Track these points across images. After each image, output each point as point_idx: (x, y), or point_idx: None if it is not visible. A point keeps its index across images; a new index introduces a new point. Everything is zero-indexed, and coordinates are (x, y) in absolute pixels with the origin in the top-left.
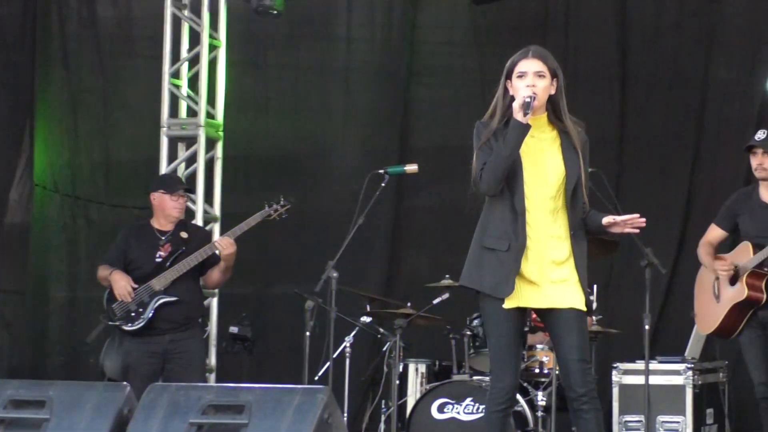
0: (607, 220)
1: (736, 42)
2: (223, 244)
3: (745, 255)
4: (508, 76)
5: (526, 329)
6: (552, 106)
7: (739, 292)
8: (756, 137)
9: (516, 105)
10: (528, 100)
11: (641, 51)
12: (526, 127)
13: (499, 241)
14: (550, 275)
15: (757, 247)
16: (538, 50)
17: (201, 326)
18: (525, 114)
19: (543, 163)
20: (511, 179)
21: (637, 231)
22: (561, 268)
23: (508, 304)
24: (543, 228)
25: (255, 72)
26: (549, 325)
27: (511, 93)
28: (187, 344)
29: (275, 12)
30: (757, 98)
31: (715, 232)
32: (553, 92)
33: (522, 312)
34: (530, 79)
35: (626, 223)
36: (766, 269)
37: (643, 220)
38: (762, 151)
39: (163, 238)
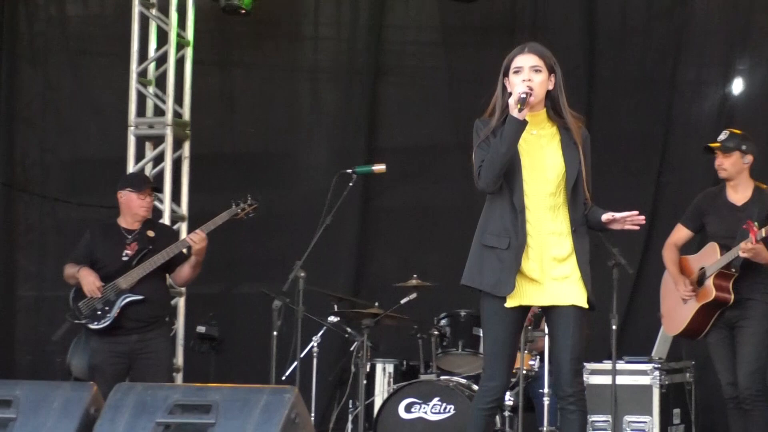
0: (606, 216)
1: (704, 43)
2: (195, 238)
3: (712, 256)
4: (506, 73)
5: None
6: (551, 101)
7: (707, 292)
8: (718, 138)
9: (512, 101)
10: (524, 95)
11: (608, 52)
12: (522, 123)
13: (499, 239)
14: (551, 272)
15: (724, 248)
16: (535, 46)
17: (168, 325)
18: (520, 110)
19: (542, 160)
20: (509, 176)
21: (637, 228)
22: (563, 265)
23: (510, 302)
24: (543, 225)
25: (222, 71)
26: (548, 322)
27: (509, 90)
28: (154, 344)
29: (243, 11)
30: (725, 99)
31: (681, 233)
32: (551, 87)
33: (523, 311)
34: (526, 74)
35: (626, 220)
36: (733, 270)
37: (642, 217)
38: (721, 152)
39: (129, 236)
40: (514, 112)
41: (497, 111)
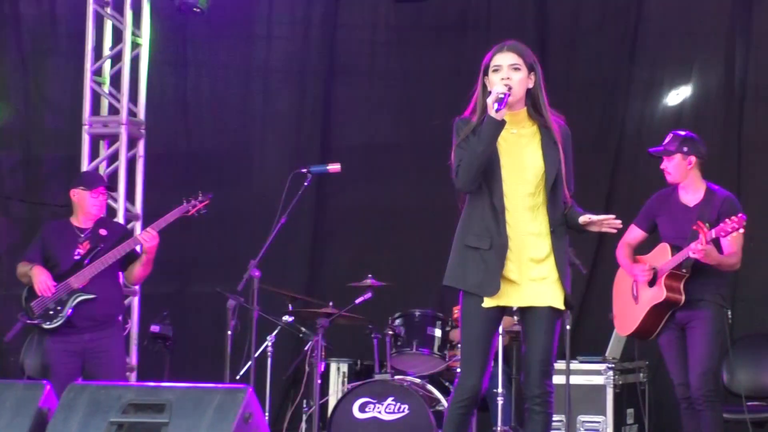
0: (583, 219)
1: (657, 44)
2: (146, 236)
3: (663, 256)
4: (485, 72)
5: (448, 329)
6: (531, 100)
7: (658, 293)
8: (662, 141)
9: (489, 100)
10: (501, 95)
11: (561, 52)
12: (500, 123)
13: (480, 240)
14: (529, 273)
15: (675, 249)
16: (514, 44)
17: (121, 324)
18: (497, 109)
19: (522, 159)
20: (489, 176)
21: (614, 231)
22: (540, 266)
23: (489, 303)
24: (522, 225)
25: (177, 70)
26: (523, 322)
27: (489, 89)
28: (107, 343)
29: (198, 10)
30: (678, 99)
31: (634, 233)
32: (530, 86)
33: (500, 311)
34: (505, 72)
35: (602, 222)
36: (684, 270)
37: (619, 222)
38: (665, 156)
39: (82, 235)
40: (491, 111)
41: (478, 110)
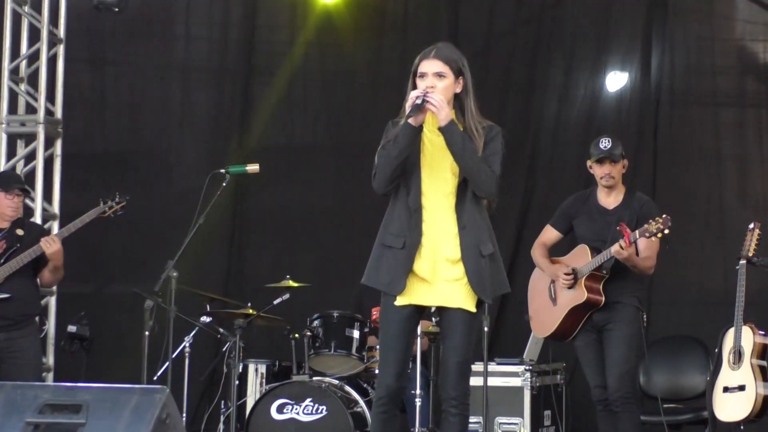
0: None
1: (572, 47)
2: (46, 243)
3: (582, 258)
4: (414, 75)
5: (366, 330)
6: (459, 103)
7: (578, 295)
8: (601, 146)
9: (405, 106)
10: (418, 102)
11: (475, 55)
12: (414, 129)
13: (396, 239)
14: (443, 273)
15: (595, 251)
16: (442, 50)
17: (37, 325)
18: (409, 116)
19: (442, 161)
20: (408, 176)
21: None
22: (456, 267)
23: (400, 301)
24: (440, 225)
25: (94, 69)
26: (440, 323)
27: None
28: (22, 342)
29: (116, 9)
30: (593, 102)
31: (550, 234)
32: (458, 91)
33: (415, 310)
34: (430, 80)
35: None
36: (604, 272)
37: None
38: (609, 161)
39: None
40: (407, 118)
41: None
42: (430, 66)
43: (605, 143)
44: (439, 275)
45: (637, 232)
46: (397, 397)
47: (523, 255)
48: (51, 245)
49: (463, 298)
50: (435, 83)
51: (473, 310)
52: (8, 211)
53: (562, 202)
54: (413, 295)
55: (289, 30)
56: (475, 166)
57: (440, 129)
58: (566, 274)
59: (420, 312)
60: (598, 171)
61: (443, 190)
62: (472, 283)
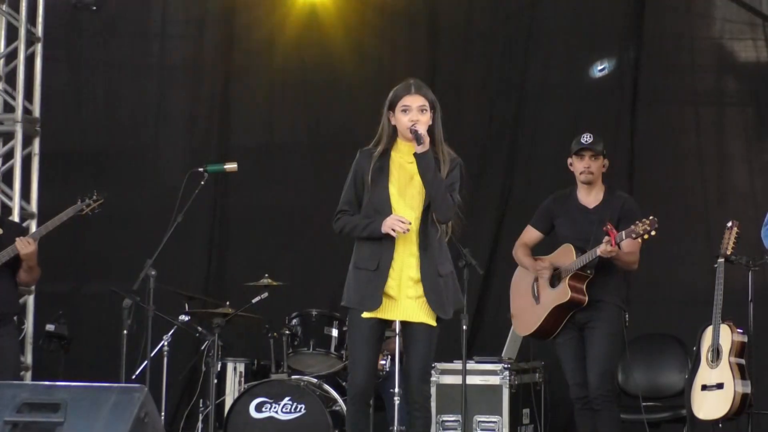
0: None
1: (551, 45)
2: (20, 244)
3: (567, 257)
4: (391, 108)
5: (345, 329)
6: (431, 134)
7: (562, 293)
8: (583, 140)
9: (384, 136)
10: (421, 132)
11: (453, 55)
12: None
13: (369, 262)
14: (407, 291)
15: (579, 250)
16: (419, 85)
17: (16, 324)
18: (419, 142)
19: (410, 187)
20: (379, 203)
21: None
22: (417, 286)
23: (367, 315)
24: (406, 247)
25: (72, 68)
26: (404, 335)
27: (393, 123)
28: (1, 342)
29: (94, 7)
30: (572, 101)
31: (531, 234)
32: (431, 123)
33: (380, 322)
34: (414, 114)
35: None
36: (589, 272)
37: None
38: (590, 154)
39: None
40: (384, 228)
41: (382, 142)
42: (414, 101)
43: (587, 138)
44: (403, 293)
45: (623, 233)
46: (368, 396)
47: (501, 254)
48: (25, 246)
49: (424, 314)
50: (419, 117)
51: (434, 324)
52: None
53: (542, 202)
54: (380, 310)
55: (268, 28)
56: (439, 193)
57: (417, 155)
58: (545, 267)
59: (384, 323)
60: (578, 165)
61: (410, 216)
62: (430, 301)
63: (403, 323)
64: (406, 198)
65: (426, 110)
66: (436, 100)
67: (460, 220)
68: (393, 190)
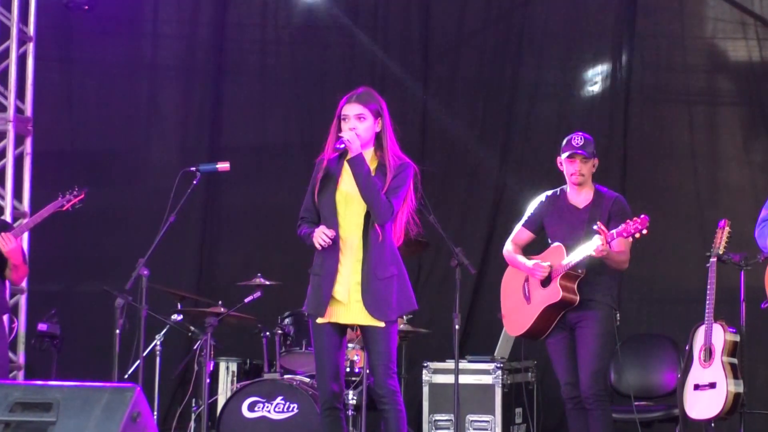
0: None
1: (543, 45)
2: (2, 241)
3: (558, 257)
4: (338, 118)
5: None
6: (378, 141)
7: (553, 293)
8: (573, 143)
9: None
10: (340, 147)
11: (445, 54)
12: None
13: (318, 268)
14: (354, 295)
15: (569, 249)
16: (362, 95)
17: (3, 323)
18: (340, 155)
19: (356, 194)
20: (327, 209)
21: None
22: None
23: (321, 320)
24: (352, 252)
25: (64, 67)
26: (362, 335)
27: (339, 134)
28: None
29: (86, 7)
30: (564, 100)
31: (521, 234)
32: (378, 130)
33: (337, 326)
34: (351, 123)
35: None
36: (580, 271)
37: None
38: (581, 158)
39: None
40: (314, 240)
41: (328, 152)
42: (351, 109)
43: (577, 140)
44: (352, 297)
45: (614, 232)
46: (335, 400)
47: (493, 254)
48: (7, 243)
49: (369, 317)
50: (356, 124)
51: (381, 324)
52: None
53: (532, 202)
54: (332, 315)
55: (259, 28)
56: (373, 196)
57: (348, 161)
58: (543, 268)
59: (343, 327)
60: (568, 168)
61: (355, 221)
62: (365, 304)
63: (360, 325)
64: (351, 204)
65: (365, 118)
66: (382, 107)
67: (415, 222)
68: (340, 197)
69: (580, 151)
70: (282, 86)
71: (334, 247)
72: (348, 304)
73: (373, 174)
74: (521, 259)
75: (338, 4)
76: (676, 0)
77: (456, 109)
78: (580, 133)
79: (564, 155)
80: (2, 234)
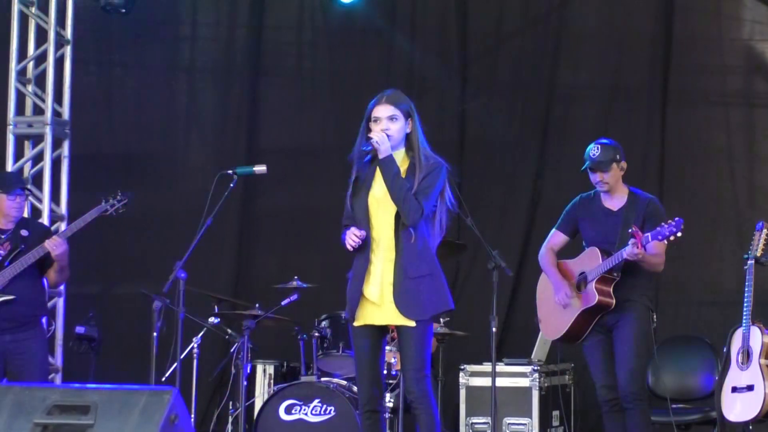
0: None
1: (580, 48)
2: (51, 244)
3: (593, 260)
4: (368, 121)
5: None
6: (409, 142)
7: (590, 298)
8: (591, 155)
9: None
10: (369, 147)
11: (483, 56)
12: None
13: (354, 270)
14: (388, 296)
15: (605, 253)
16: (391, 96)
17: (43, 326)
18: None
19: (387, 194)
20: (360, 211)
21: None
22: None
23: (357, 322)
24: (384, 252)
25: (102, 70)
26: (397, 338)
27: (369, 135)
28: (28, 344)
29: (123, 10)
30: (601, 102)
31: (557, 238)
32: (409, 130)
33: (374, 328)
34: (384, 124)
35: None
36: (615, 274)
37: None
38: (599, 170)
39: (2, 236)
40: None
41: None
42: (382, 111)
43: (594, 151)
44: (385, 298)
45: (649, 235)
46: (374, 403)
47: (531, 256)
48: (58, 247)
49: (402, 316)
50: (389, 125)
51: (411, 324)
52: (12, 212)
53: (567, 205)
54: (366, 316)
55: (296, 30)
56: (402, 197)
57: (378, 161)
58: (568, 296)
59: (382, 329)
60: (591, 177)
61: (387, 221)
62: (397, 303)
63: (395, 327)
64: (383, 204)
65: (397, 118)
66: (412, 108)
67: (448, 221)
68: (372, 199)
69: (596, 165)
70: (319, 89)
71: (365, 247)
72: (382, 305)
73: (404, 175)
74: (553, 270)
75: (375, 7)
76: (714, 2)
77: (493, 112)
78: (598, 144)
79: (584, 167)
80: (51, 238)
